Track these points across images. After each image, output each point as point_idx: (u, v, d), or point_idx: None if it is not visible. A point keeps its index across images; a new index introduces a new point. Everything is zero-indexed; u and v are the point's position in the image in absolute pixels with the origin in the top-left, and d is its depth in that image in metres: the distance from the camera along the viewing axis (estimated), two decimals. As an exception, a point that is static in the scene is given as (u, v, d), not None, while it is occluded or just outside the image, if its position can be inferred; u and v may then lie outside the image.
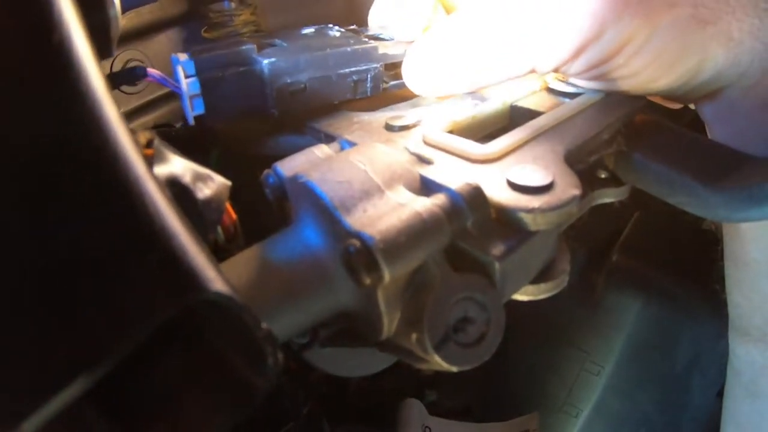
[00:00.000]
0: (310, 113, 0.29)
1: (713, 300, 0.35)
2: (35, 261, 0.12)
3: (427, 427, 0.36)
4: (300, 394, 0.35)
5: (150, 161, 0.19)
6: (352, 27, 0.35)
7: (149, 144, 0.20)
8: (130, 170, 0.13)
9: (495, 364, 0.42)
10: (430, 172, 0.21)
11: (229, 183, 0.22)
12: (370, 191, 0.20)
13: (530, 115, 0.27)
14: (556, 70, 0.28)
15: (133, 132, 0.15)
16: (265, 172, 0.23)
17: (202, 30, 0.43)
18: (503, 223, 0.20)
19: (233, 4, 0.42)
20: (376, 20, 0.35)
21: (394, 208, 0.19)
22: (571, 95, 0.28)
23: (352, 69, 0.30)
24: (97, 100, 0.13)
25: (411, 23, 0.33)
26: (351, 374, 0.25)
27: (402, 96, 0.31)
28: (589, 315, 0.36)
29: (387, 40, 0.33)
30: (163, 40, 0.44)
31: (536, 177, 0.21)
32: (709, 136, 0.31)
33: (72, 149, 0.13)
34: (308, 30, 0.33)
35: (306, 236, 0.20)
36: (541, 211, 0.20)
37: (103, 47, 0.23)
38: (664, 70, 0.25)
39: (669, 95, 0.29)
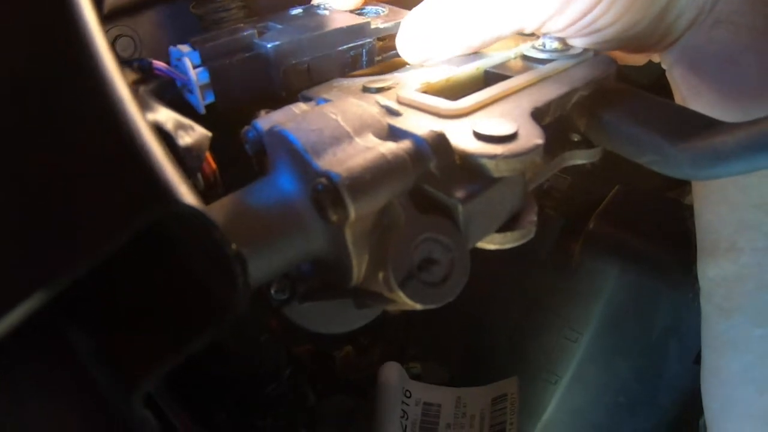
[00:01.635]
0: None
1: (690, 266, 0.36)
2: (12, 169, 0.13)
3: (407, 390, 0.37)
4: (282, 357, 0.36)
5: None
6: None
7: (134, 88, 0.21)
8: (114, 90, 0.15)
9: (475, 331, 0.43)
10: (398, 122, 0.22)
11: (209, 133, 0.23)
12: (340, 137, 0.21)
13: (503, 79, 0.28)
14: (541, 28, 0.29)
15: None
16: (245, 128, 0.25)
17: (191, 6, 0.44)
18: (468, 169, 0.21)
19: (223, -20, 0.43)
20: None
21: (361, 151, 0.20)
22: (544, 61, 0.29)
23: (350, 45, 0.31)
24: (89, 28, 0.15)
25: None
26: (329, 330, 0.26)
27: (393, 66, 0.33)
28: (566, 282, 0.37)
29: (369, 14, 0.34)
30: (152, 16, 0.45)
31: (501, 128, 0.22)
32: (675, 99, 0.33)
33: (59, 63, 0.14)
34: (297, 11, 0.34)
35: (281, 183, 0.22)
36: (503, 157, 0.21)
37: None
38: (640, 12, 0.28)
39: (640, 43, 0.31)
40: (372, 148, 0.20)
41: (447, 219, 0.21)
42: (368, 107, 0.23)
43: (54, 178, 0.13)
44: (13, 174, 0.13)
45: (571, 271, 0.37)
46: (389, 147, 0.20)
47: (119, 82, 0.15)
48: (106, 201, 0.14)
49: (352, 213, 0.19)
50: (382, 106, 0.23)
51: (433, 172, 0.21)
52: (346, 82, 0.29)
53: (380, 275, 0.21)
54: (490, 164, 0.21)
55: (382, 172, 0.19)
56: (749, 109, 0.30)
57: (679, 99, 0.33)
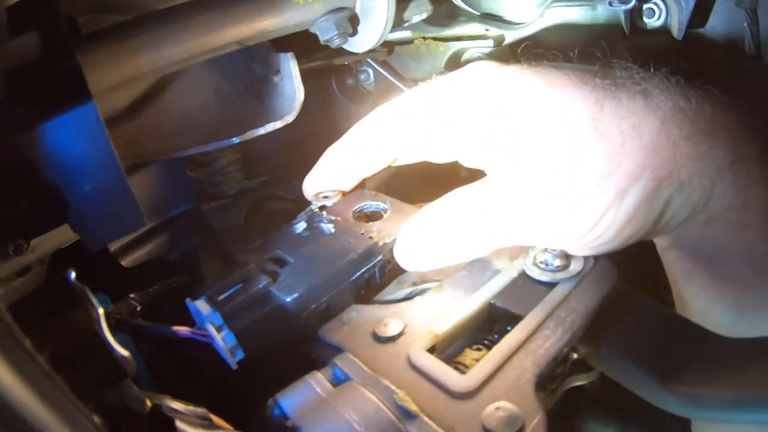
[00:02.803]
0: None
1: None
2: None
3: None
4: None
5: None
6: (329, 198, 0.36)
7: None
8: None
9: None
10: (414, 428, 0.23)
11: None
12: None
13: (508, 317, 0.29)
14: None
15: None
16: (269, 403, 0.26)
17: (187, 170, 0.45)
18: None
19: (218, 145, 0.43)
20: (311, 189, 0.37)
21: None
22: (548, 285, 0.30)
23: (362, 270, 0.32)
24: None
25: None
26: None
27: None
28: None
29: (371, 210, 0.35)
30: (149, 174, 0.45)
31: (508, 423, 0.23)
32: (668, 276, 0.34)
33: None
34: (300, 228, 0.34)
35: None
36: None
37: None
38: (635, 227, 0.29)
39: (637, 241, 0.32)
40: None
41: None
42: (387, 414, 0.24)
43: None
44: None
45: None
46: None
47: None
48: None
49: None
50: (399, 407, 0.24)
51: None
52: (356, 315, 0.30)
53: None
54: None
55: None
56: (739, 297, 0.32)
57: (670, 276, 0.35)
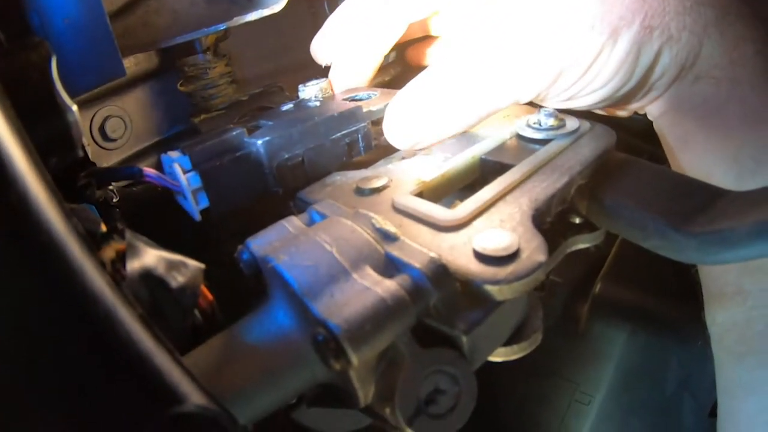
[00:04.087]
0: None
1: (698, 317, 0.35)
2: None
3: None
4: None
5: (122, 257, 0.20)
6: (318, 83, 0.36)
7: (122, 234, 0.21)
8: (105, 302, 0.14)
9: (486, 398, 0.43)
10: (396, 249, 0.21)
11: (202, 266, 0.22)
12: (337, 275, 0.20)
13: (500, 168, 0.27)
14: (535, 98, 0.30)
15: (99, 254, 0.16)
16: (239, 248, 0.24)
17: (178, 84, 0.44)
18: (469, 294, 0.21)
19: (208, 56, 0.42)
20: (320, 50, 0.37)
21: (359, 293, 0.19)
22: (541, 142, 0.29)
23: (343, 132, 0.31)
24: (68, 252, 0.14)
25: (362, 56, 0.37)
26: (339, 430, 0.26)
27: (389, 151, 0.32)
28: (575, 346, 0.37)
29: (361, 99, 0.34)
30: (140, 94, 0.44)
31: (501, 245, 0.21)
32: (663, 147, 0.34)
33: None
34: (287, 106, 0.33)
35: (279, 318, 0.21)
36: (506, 282, 0.20)
37: (67, 149, 0.23)
38: (626, 76, 0.30)
39: (627, 101, 0.33)
40: (371, 289, 0.19)
41: (451, 349, 0.21)
42: (363, 234, 0.22)
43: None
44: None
45: (580, 335, 0.37)
46: (388, 287, 0.19)
47: (108, 291, 0.14)
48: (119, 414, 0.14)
49: (355, 361, 0.18)
50: (377, 230, 0.22)
51: (434, 304, 0.20)
52: (340, 178, 0.29)
53: (387, 410, 0.21)
54: (493, 290, 0.20)
55: (382, 317, 0.19)
56: (736, 154, 0.30)
57: (666, 147, 0.34)
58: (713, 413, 0.36)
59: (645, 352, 0.36)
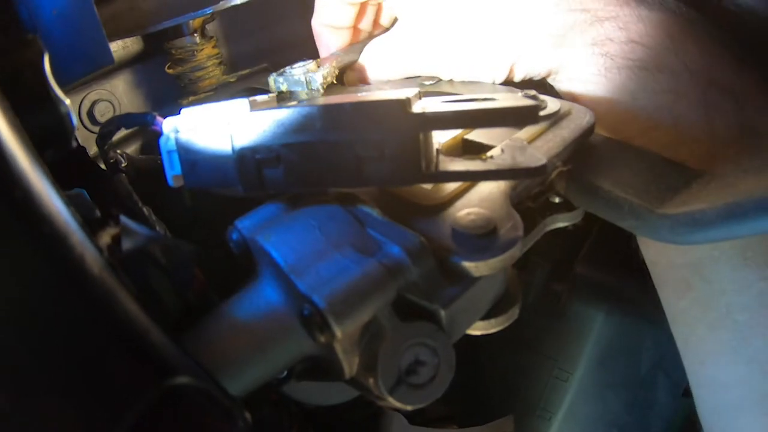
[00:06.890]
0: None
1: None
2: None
3: (408, 436, 0.38)
4: (285, 420, 0.37)
5: (118, 240, 0.21)
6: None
7: (116, 221, 0.22)
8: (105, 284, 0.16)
9: (471, 371, 0.45)
10: (377, 229, 0.23)
11: (196, 248, 0.23)
12: (322, 253, 0.21)
13: (481, 148, 0.28)
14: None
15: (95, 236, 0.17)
16: (228, 228, 0.25)
17: (166, 67, 0.44)
18: (448, 270, 0.22)
19: (195, 38, 0.43)
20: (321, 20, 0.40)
21: (343, 270, 0.21)
22: None
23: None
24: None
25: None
26: (328, 402, 0.27)
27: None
28: (555, 324, 0.38)
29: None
30: (128, 78, 0.45)
31: (479, 223, 0.22)
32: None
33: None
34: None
35: (267, 294, 0.22)
36: (483, 259, 0.22)
37: (62, 140, 0.24)
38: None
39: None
40: (353, 267, 0.21)
41: (430, 323, 0.22)
42: (347, 215, 0.23)
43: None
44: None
45: (559, 313, 0.38)
46: (370, 265, 0.21)
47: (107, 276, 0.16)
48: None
49: (339, 334, 0.20)
50: (361, 211, 0.24)
51: (414, 280, 0.21)
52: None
53: (370, 381, 0.22)
54: (470, 267, 0.22)
55: (364, 291, 0.20)
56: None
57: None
58: (687, 394, 0.37)
59: (620, 331, 0.38)
